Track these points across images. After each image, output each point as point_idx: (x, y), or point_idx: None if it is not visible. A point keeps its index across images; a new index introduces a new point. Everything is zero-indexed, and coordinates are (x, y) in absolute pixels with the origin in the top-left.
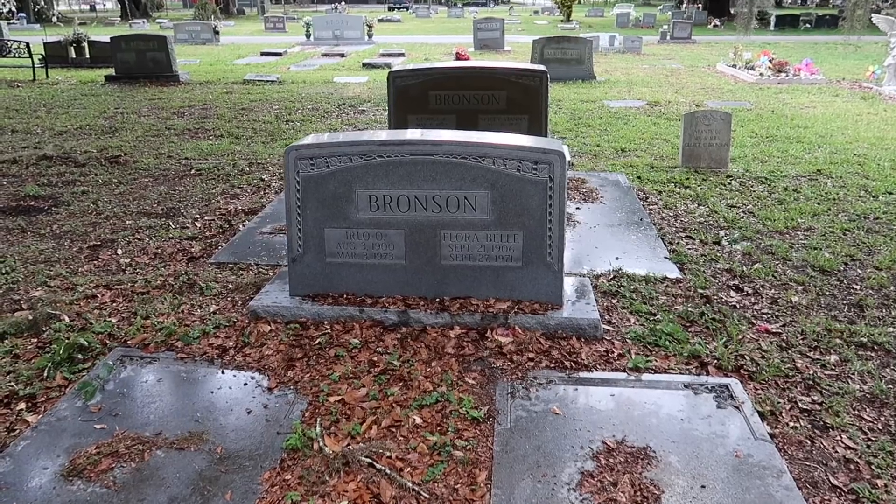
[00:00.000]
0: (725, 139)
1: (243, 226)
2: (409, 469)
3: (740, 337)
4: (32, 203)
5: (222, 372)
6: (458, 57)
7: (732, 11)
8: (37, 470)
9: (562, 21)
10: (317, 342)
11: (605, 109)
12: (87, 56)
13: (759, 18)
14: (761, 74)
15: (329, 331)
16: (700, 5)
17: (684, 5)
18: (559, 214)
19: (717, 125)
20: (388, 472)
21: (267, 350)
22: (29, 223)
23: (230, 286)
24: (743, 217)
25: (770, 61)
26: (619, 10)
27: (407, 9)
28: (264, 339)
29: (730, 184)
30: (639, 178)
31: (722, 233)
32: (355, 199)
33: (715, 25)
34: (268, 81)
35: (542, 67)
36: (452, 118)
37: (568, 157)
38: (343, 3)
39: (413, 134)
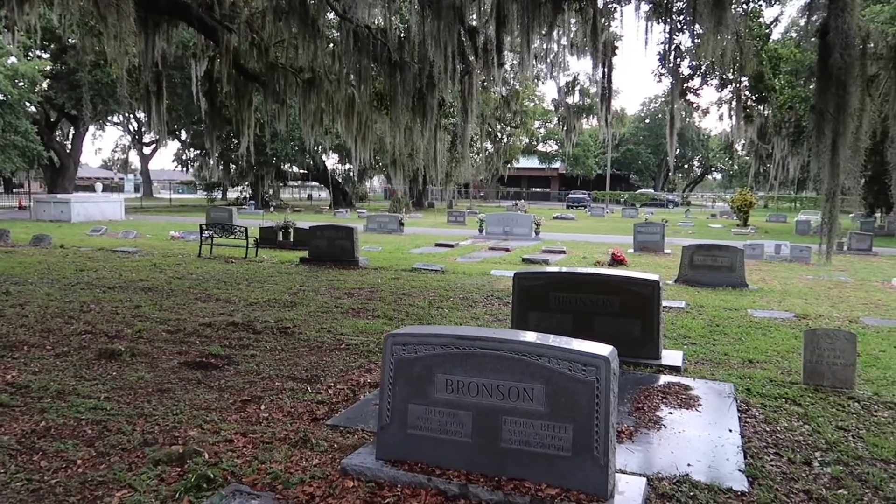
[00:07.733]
0: (850, 359)
1: (363, 396)
2: None
3: None
4: (212, 360)
5: None
6: (614, 258)
7: None
8: None
9: (737, 225)
10: (386, 501)
11: (747, 318)
12: (292, 240)
13: None
14: None
15: (399, 493)
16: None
17: (878, 214)
18: (605, 412)
19: (840, 344)
20: None
21: (345, 502)
22: (204, 376)
23: (335, 445)
24: (848, 441)
25: None
26: (801, 217)
27: (585, 208)
28: (346, 492)
29: (850, 405)
30: (748, 390)
31: (817, 454)
32: (435, 382)
33: None
34: (432, 270)
35: (655, 277)
36: (569, 318)
37: (680, 364)
38: (524, 200)
39: (485, 332)
